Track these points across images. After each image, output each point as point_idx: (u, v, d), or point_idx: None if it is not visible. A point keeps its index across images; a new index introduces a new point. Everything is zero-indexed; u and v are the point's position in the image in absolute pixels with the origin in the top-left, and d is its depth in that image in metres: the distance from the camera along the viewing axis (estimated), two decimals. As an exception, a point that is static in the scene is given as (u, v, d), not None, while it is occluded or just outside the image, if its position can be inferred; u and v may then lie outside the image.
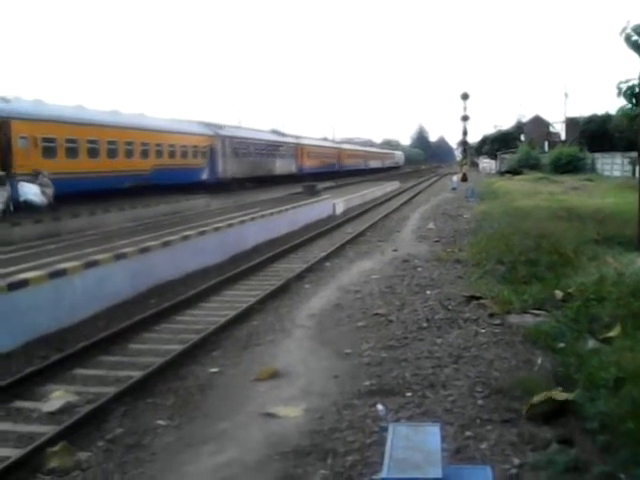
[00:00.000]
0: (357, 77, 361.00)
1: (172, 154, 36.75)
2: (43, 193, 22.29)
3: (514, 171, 66.02)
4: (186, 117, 43.82)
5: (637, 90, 16.29)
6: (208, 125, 43.68)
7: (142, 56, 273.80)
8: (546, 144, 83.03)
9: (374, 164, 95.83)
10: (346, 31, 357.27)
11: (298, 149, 59.95)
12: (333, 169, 70.78)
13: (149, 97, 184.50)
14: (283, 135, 61.12)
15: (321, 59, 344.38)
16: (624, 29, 15.88)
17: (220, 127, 44.89)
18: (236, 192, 40.34)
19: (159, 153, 35.25)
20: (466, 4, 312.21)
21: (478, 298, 11.69)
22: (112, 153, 30.82)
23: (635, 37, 15.75)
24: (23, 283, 11.01)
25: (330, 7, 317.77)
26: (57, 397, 8.28)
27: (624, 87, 16.85)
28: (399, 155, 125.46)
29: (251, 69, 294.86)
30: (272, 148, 53.45)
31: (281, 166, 55.14)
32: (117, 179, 29.73)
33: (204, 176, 40.70)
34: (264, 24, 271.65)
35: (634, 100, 16.85)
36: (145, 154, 33.84)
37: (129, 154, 32.32)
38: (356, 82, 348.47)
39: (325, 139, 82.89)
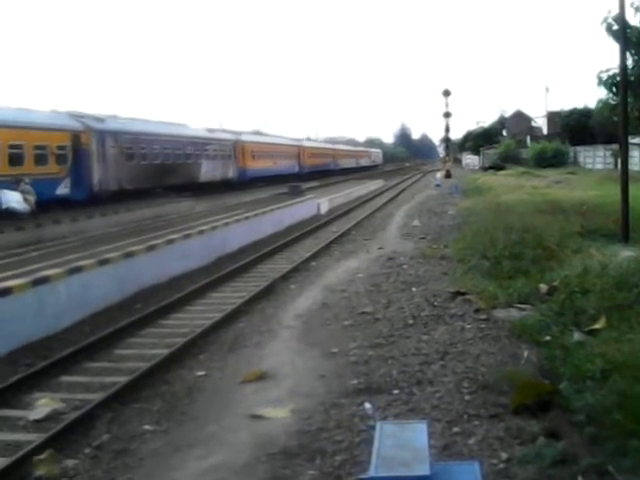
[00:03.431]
0: (340, 77, 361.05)
1: None
2: (25, 200, 22.14)
3: (497, 166, 66.36)
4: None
5: (618, 79, 16.36)
6: (74, 116, 30.09)
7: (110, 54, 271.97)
8: (528, 138, 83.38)
9: (346, 164, 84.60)
10: (329, 31, 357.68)
11: (238, 148, 47.78)
12: (292, 171, 58.66)
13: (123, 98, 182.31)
14: (212, 131, 47.56)
15: (305, 59, 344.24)
16: (605, 19, 16.00)
17: (99, 119, 31.55)
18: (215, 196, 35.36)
19: None
20: (447, 1, 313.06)
21: (464, 294, 11.71)
22: None
23: (616, 27, 15.85)
24: (7, 291, 10.91)
25: (313, 8, 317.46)
26: (43, 405, 8.21)
27: (604, 76, 16.93)
28: (376, 153, 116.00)
29: (233, 70, 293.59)
30: (194, 147, 40.90)
31: (210, 170, 42.69)
32: None
33: (62, 190, 27.43)
34: (246, 24, 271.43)
35: (614, 89, 16.93)
36: None
37: None
38: (339, 82, 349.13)
39: (309, 139, 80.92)
